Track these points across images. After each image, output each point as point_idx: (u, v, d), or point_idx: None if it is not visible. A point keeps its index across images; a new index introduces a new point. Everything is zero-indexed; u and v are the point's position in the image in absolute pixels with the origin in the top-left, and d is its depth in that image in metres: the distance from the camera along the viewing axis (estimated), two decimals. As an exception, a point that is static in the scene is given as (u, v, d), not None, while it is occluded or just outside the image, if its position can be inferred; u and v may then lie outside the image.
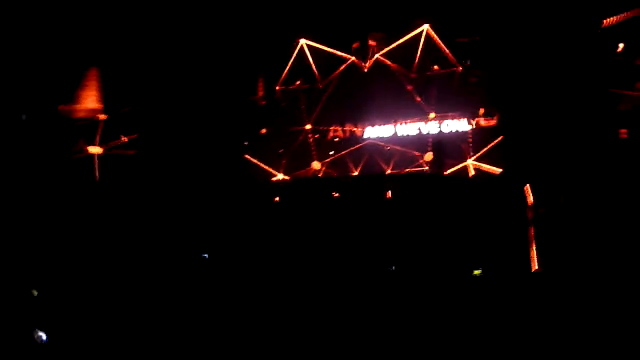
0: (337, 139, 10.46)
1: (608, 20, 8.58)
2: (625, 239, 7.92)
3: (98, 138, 9.47)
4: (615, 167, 8.52)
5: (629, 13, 8.34)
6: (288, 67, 9.63)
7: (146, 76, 9.10)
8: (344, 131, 10.38)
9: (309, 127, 10.30)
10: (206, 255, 9.14)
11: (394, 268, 8.96)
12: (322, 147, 10.66)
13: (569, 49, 8.71)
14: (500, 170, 9.66)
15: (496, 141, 9.63)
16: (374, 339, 6.50)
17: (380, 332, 6.66)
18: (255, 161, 10.09)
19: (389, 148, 10.30)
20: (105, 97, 9.44)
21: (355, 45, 9.61)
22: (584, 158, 8.76)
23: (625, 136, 8.86)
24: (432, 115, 9.88)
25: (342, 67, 9.82)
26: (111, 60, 9.01)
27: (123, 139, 9.84)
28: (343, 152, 10.52)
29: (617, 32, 8.68)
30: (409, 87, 9.82)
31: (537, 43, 8.83)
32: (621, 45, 8.61)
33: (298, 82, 9.76)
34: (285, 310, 7.30)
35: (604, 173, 8.46)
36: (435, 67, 9.37)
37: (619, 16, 8.47)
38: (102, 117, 9.36)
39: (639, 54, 8.65)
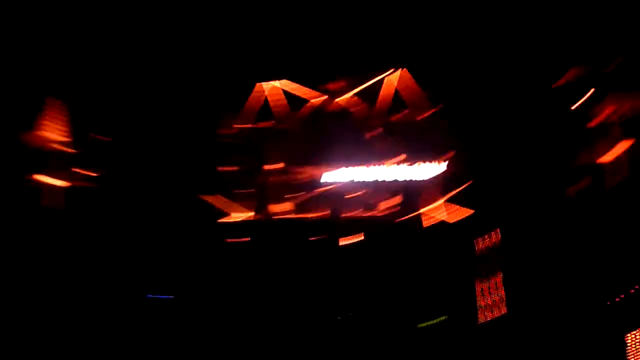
0: (304, 181, 10.39)
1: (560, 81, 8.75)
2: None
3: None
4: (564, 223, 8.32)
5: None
6: (249, 104, 9.75)
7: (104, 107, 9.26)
8: (314, 172, 10.34)
9: (274, 166, 10.28)
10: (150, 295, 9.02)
11: (350, 314, 8.69)
12: (287, 188, 10.59)
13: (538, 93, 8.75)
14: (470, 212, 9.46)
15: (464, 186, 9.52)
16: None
17: None
18: (211, 200, 9.97)
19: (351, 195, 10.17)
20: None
21: (322, 87, 9.75)
22: (551, 206, 8.65)
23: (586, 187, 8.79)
24: (399, 158, 9.86)
25: (308, 106, 9.92)
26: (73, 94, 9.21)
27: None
28: (303, 194, 10.42)
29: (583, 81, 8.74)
30: (372, 133, 9.84)
31: (508, 88, 8.87)
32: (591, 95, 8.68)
33: (265, 123, 9.82)
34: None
35: (553, 228, 8.36)
36: (402, 112, 9.41)
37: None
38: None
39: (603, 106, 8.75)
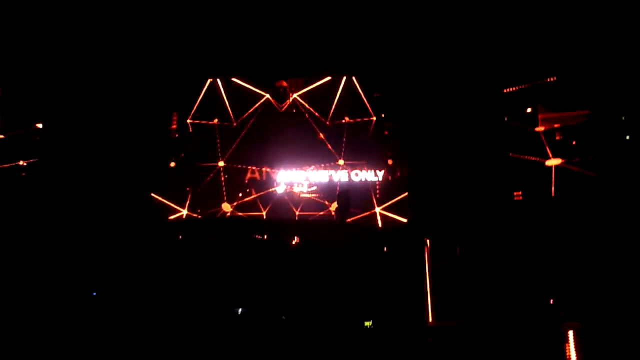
0: (250, 180, 10.44)
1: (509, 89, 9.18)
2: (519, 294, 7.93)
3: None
4: (510, 226, 8.69)
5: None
6: (199, 101, 9.81)
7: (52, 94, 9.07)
8: (259, 172, 10.41)
9: (221, 164, 10.30)
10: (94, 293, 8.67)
11: (283, 317, 8.54)
12: (233, 187, 10.61)
13: (476, 108, 9.14)
14: (405, 220, 9.77)
15: (401, 197, 9.85)
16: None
17: None
18: (159, 198, 9.86)
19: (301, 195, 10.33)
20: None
21: (276, 84, 9.93)
22: (483, 216, 8.97)
23: (520, 198, 9.23)
24: (341, 162, 10.08)
25: (257, 105, 10.04)
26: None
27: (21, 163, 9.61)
28: (254, 195, 10.48)
29: (519, 96, 9.19)
30: (321, 135, 10.06)
31: (447, 101, 9.23)
32: (528, 110, 9.11)
33: (215, 120, 9.85)
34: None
35: (499, 230, 8.65)
36: (346, 118, 9.67)
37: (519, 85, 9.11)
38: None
39: (537, 120, 9.19)
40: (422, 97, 9.64)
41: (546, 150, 9.85)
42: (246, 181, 10.47)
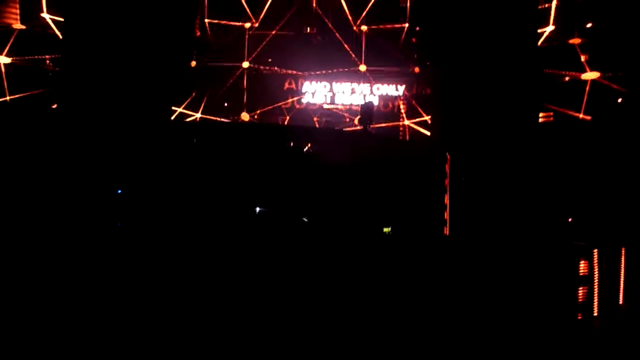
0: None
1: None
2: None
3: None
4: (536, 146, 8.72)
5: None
6: None
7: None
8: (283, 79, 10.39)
9: (245, 64, 10.25)
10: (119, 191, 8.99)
11: (305, 219, 8.86)
12: (255, 92, 10.65)
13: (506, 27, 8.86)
14: (429, 133, 9.87)
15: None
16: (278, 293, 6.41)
17: (287, 286, 6.57)
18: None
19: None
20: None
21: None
22: (507, 133, 8.97)
23: (551, 119, 9.19)
24: (363, 67, 10.03)
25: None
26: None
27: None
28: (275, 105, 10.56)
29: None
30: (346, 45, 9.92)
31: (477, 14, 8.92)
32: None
33: (247, 23, 9.65)
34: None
35: (520, 155, 8.68)
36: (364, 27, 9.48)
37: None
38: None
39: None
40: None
41: (582, 65, 9.62)
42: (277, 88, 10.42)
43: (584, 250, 6.81)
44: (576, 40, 9.63)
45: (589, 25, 9.52)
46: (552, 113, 9.06)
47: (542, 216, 8.07)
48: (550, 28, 9.47)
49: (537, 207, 8.18)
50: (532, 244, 7.42)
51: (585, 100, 9.32)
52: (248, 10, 10.30)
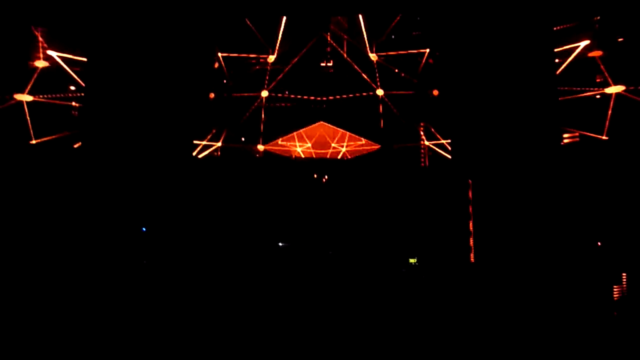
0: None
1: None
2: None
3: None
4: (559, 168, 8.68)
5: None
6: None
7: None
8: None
9: (264, 94, 10.49)
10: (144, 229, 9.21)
11: (330, 252, 8.98)
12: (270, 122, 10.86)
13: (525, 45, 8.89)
14: (449, 156, 9.95)
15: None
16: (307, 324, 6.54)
17: (315, 318, 6.71)
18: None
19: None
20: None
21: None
22: (528, 157, 8.96)
23: (577, 139, 9.13)
24: (380, 92, 10.20)
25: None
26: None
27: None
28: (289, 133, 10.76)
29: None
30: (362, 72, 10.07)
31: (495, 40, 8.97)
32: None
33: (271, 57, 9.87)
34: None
35: (543, 177, 8.66)
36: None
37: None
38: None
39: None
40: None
41: (605, 78, 9.52)
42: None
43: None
44: (597, 53, 9.54)
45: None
46: (577, 133, 8.96)
47: (569, 240, 8.03)
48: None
49: (564, 231, 8.14)
50: (560, 269, 7.40)
51: (609, 116, 9.20)
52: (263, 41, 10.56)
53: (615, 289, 6.99)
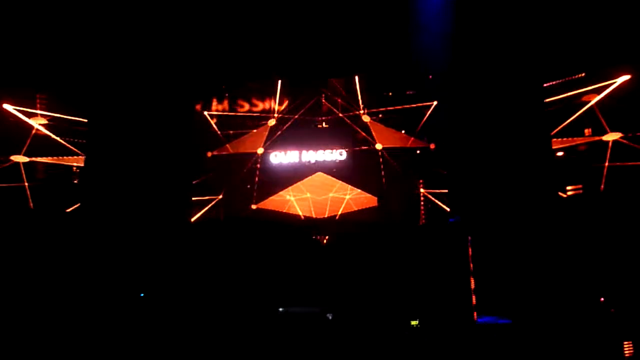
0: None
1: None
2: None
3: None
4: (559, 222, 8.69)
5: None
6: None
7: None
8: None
9: (260, 151, 10.71)
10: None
11: (330, 317, 8.88)
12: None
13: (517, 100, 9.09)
14: (448, 209, 10.02)
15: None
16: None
17: None
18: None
19: None
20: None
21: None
22: (528, 212, 9.00)
23: (579, 191, 9.17)
24: (379, 146, 10.49)
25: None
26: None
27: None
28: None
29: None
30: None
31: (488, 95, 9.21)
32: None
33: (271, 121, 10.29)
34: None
35: (544, 227, 8.66)
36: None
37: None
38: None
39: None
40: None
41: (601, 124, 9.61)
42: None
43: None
44: (591, 97, 9.65)
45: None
46: (581, 185, 9.01)
47: (573, 296, 7.98)
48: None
49: (567, 286, 8.10)
50: (565, 326, 7.33)
51: (606, 165, 9.24)
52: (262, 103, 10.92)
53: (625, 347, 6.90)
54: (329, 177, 11.02)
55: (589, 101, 9.70)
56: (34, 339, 7.53)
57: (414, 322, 8.34)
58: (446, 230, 9.41)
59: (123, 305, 8.82)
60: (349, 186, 10.99)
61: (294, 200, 11.06)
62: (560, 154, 9.88)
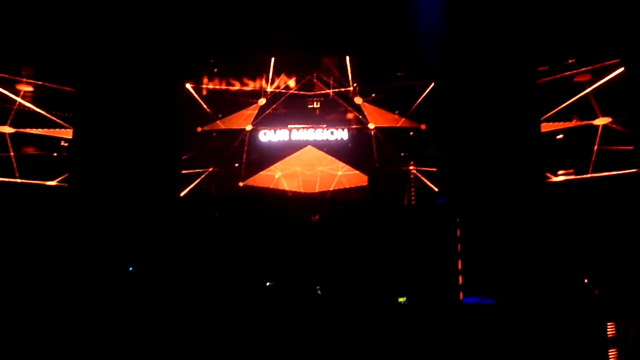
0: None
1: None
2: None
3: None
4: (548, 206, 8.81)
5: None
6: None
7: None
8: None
9: (249, 127, 10.77)
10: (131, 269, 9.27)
11: (319, 291, 9.01)
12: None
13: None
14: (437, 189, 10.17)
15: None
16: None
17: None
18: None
19: None
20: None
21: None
22: (517, 194, 9.12)
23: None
24: (372, 125, 10.58)
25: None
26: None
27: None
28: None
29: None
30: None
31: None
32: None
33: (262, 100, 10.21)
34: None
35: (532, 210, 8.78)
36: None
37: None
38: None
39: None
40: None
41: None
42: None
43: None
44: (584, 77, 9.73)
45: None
46: (572, 170, 9.13)
47: (558, 278, 8.14)
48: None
49: (552, 268, 8.27)
50: (552, 311, 7.49)
51: (595, 149, 9.35)
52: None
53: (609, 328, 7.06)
54: (319, 151, 11.03)
55: (582, 82, 9.78)
56: (20, 314, 7.57)
57: (401, 299, 8.50)
58: (435, 210, 9.52)
59: (111, 280, 8.86)
60: (340, 163, 11.02)
61: (282, 177, 11.09)
62: (559, 136, 9.95)
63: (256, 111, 11.33)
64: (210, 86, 11.34)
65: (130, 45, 10.29)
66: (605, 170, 9.22)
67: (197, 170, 11.05)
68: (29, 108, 10.16)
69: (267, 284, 8.70)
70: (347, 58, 11.16)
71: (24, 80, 10.13)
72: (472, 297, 8.38)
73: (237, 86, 11.38)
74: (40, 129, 10.25)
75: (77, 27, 10.02)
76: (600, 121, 9.62)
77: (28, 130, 10.16)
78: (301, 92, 11.37)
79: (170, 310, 7.81)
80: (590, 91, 9.73)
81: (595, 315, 7.13)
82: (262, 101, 11.20)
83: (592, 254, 8.27)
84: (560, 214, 8.68)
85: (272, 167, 11.13)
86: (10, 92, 10.03)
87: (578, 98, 9.83)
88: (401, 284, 8.55)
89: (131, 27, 10.20)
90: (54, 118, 10.26)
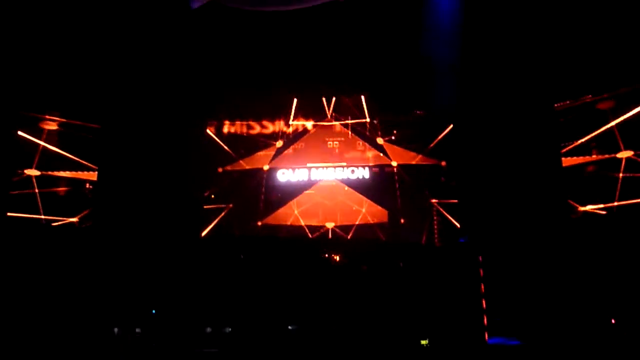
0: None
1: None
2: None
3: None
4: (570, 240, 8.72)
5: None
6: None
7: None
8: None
9: (266, 167, 10.87)
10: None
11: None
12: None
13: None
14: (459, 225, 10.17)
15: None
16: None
17: None
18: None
19: None
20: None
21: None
22: (539, 230, 9.04)
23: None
24: (394, 163, 10.79)
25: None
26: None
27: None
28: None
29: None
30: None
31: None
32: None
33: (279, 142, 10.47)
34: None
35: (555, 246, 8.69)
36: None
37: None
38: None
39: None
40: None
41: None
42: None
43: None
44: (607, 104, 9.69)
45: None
46: (602, 205, 9.08)
47: (584, 317, 8.00)
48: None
49: (578, 307, 8.13)
50: (575, 348, 7.35)
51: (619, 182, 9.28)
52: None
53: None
54: (340, 184, 11.13)
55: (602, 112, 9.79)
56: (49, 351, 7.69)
57: (424, 342, 8.40)
58: (457, 250, 9.47)
59: (134, 322, 8.93)
60: (363, 197, 11.10)
61: (298, 214, 11.19)
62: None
63: (273, 152, 11.51)
64: (232, 129, 11.57)
65: (155, 88, 10.57)
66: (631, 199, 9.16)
67: (218, 206, 11.18)
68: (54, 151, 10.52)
69: (289, 327, 8.69)
70: (363, 97, 11.44)
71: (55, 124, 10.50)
72: (497, 338, 8.26)
73: (257, 128, 11.58)
74: (65, 171, 10.56)
75: (103, 70, 10.36)
76: (624, 154, 9.57)
77: (55, 174, 10.46)
78: (321, 130, 11.52)
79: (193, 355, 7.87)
80: (613, 125, 9.72)
81: (623, 357, 7.00)
82: (280, 143, 11.39)
83: (618, 291, 8.12)
84: (585, 249, 8.56)
85: (291, 203, 11.24)
86: (35, 135, 10.43)
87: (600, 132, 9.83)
88: (425, 325, 8.47)
89: (155, 70, 10.49)
90: (79, 159, 10.55)
